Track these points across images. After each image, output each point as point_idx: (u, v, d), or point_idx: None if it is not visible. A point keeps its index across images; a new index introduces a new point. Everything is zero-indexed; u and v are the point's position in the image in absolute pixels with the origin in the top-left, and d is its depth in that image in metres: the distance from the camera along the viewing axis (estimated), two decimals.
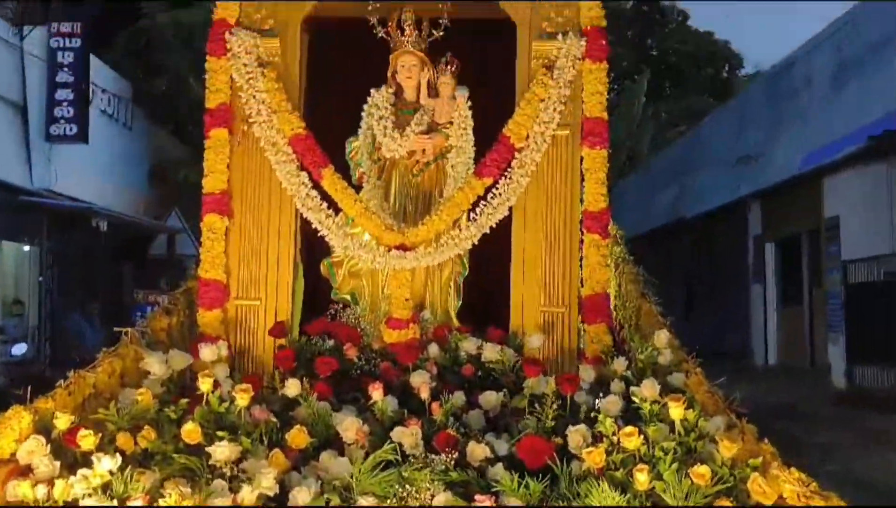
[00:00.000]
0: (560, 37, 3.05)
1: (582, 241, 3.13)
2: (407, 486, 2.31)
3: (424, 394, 2.68)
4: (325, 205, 3.11)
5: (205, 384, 2.67)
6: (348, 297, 3.38)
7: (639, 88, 12.87)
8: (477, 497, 2.27)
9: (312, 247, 3.35)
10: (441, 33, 3.34)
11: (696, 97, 18.15)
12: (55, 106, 8.62)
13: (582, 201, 3.13)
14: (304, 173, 3.09)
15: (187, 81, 10.39)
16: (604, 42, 3.05)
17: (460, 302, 3.37)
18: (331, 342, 3.07)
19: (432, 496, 2.29)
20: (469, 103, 3.26)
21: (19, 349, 8.03)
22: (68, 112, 8.70)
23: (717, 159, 13.87)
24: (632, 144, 13.53)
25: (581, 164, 3.09)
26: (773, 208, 12.17)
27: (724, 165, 13.56)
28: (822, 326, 10.42)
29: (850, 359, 8.96)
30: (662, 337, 2.96)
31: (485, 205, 3.06)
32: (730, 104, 15.55)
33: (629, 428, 2.37)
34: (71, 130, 8.70)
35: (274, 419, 2.61)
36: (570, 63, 3.03)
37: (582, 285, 3.19)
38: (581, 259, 3.14)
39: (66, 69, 8.76)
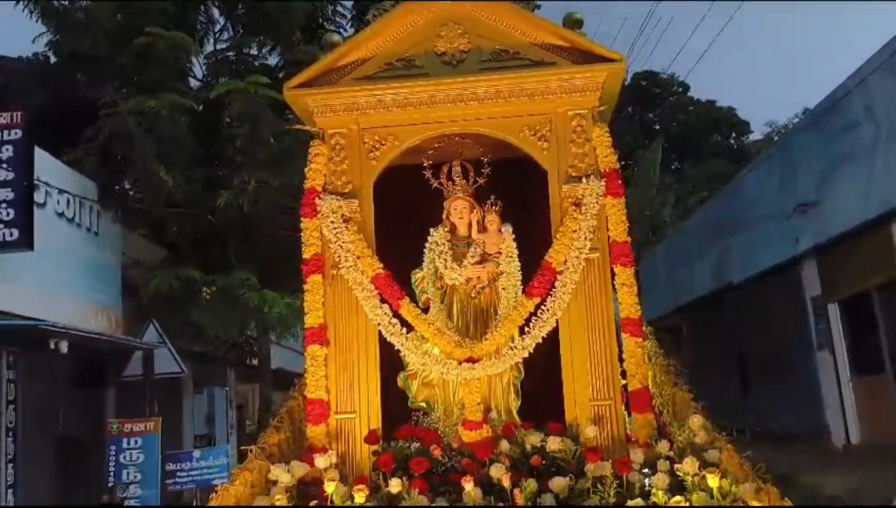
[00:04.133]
0: (584, 180, 4.75)
1: (619, 342, 4.69)
2: None
3: (506, 483, 4.18)
4: (404, 329, 4.69)
5: (330, 487, 4.19)
6: (423, 404, 4.92)
7: (652, 156, 14.52)
8: None
9: (389, 363, 4.91)
10: (484, 180, 5.04)
11: (713, 162, 20.23)
12: None
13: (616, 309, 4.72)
14: (385, 305, 4.71)
15: (157, 173, 11.83)
16: (620, 181, 4.75)
17: (520, 402, 4.90)
18: (416, 444, 4.57)
19: None
20: (513, 237, 4.91)
21: None
22: (8, 214, 8.67)
23: (763, 215, 14.50)
24: (652, 215, 15.02)
25: (614, 280, 4.69)
26: (831, 263, 12.74)
27: (773, 220, 13.96)
28: None
29: None
30: (697, 421, 4.46)
31: (536, 320, 4.65)
32: (772, 151, 16.05)
33: (678, 497, 3.87)
34: (11, 235, 8.68)
35: None
36: (594, 200, 4.72)
37: (623, 379, 4.72)
38: (620, 358, 4.69)
39: (4, 166, 8.72)
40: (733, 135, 24.81)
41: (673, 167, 22.30)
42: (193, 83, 13.18)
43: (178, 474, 12.57)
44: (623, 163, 4.90)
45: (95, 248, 12.00)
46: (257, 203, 11.91)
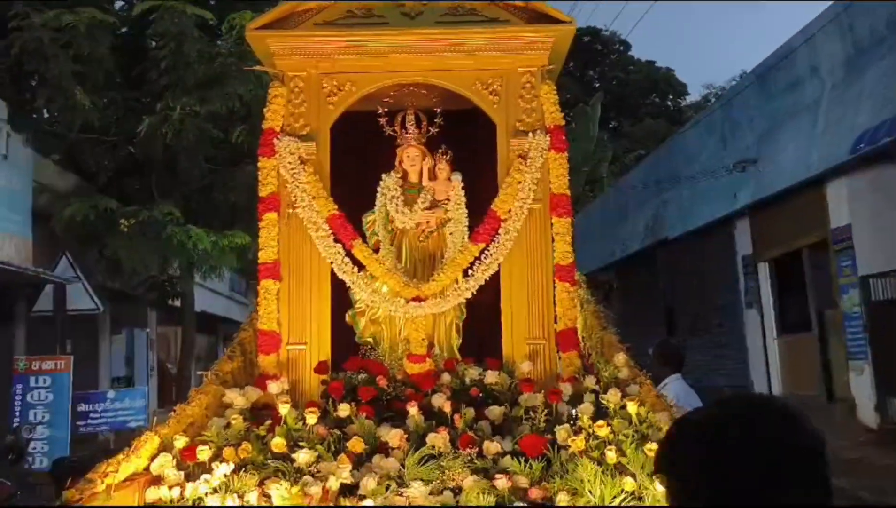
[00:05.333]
0: (530, 134, 5.48)
1: (555, 288, 5.50)
2: (446, 472, 4.55)
3: (447, 409, 4.95)
4: (356, 268, 5.38)
5: (283, 408, 4.89)
6: (370, 340, 5.65)
7: (592, 112, 15.43)
8: (496, 476, 4.51)
9: (339, 301, 5.61)
10: (436, 130, 5.71)
11: (650, 122, 21.59)
12: None
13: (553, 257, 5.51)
14: (338, 245, 5.37)
15: (73, 95, 11.94)
16: (564, 137, 5.49)
17: (460, 340, 5.69)
18: (363, 376, 5.31)
19: (463, 479, 4.53)
20: (462, 185, 5.62)
21: None
22: None
23: (702, 171, 15.48)
24: (589, 170, 16.00)
25: (552, 229, 5.47)
26: (764, 222, 13.77)
27: (712, 177, 14.93)
28: (839, 353, 11.64)
29: (882, 390, 9.84)
30: (621, 358, 5.31)
31: (479, 264, 5.41)
32: (714, 108, 17.47)
33: (601, 422, 4.71)
34: None
35: (337, 432, 4.82)
36: (539, 154, 5.45)
37: (556, 323, 5.54)
38: (555, 302, 5.50)
39: None
40: (670, 96, 26.70)
41: (611, 125, 23.86)
42: (117, 5, 13.23)
43: (91, 416, 12.94)
44: (563, 117, 5.67)
45: (3, 172, 12.01)
46: (182, 133, 12.20)
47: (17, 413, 11.39)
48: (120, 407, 13.05)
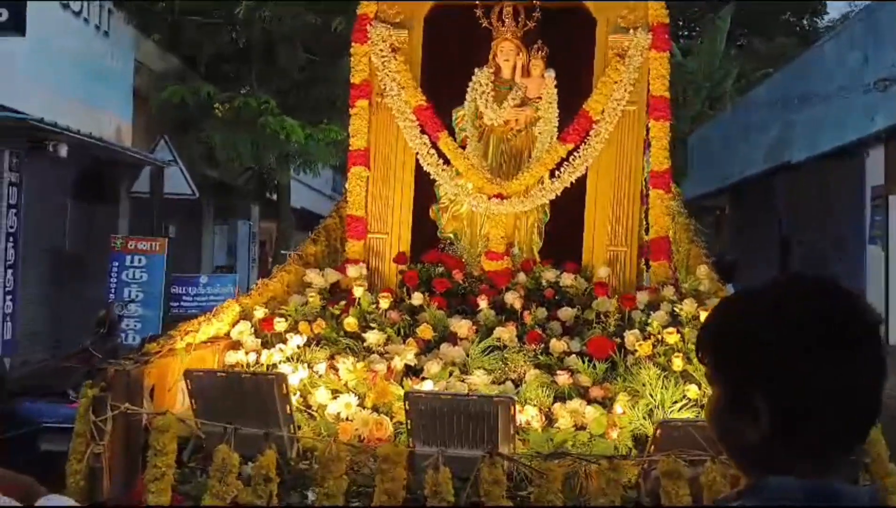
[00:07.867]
0: (632, 32, 5.59)
1: (644, 195, 5.68)
2: (509, 363, 4.91)
3: (518, 305, 5.29)
4: (441, 161, 5.70)
5: (358, 291, 5.33)
6: (451, 235, 6.00)
7: (721, 25, 14.94)
8: (558, 371, 4.85)
9: (423, 194, 5.96)
10: (533, 25, 5.88)
11: (782, 40, 20.56)
12: None
13: (646, 163, 5.68)
14: (425, 136, 5.69)
15: None
16: (667, 36, 5.58)
17: (541, 243, 5.97)
18: (440, 269, 5.69)
19: (525, 372, 4.88)
20: (555, 84, 5.80)
21: None
22: None
23: (838, 89, 14.44)
24: (711, 87, 15.55)
25: (648, 134, 5.63)
26: None
27: (848, 97, 13.97)
28: None
29: None
30: (703, 269, 5.47)
31: (567, 165, 5.64)
32: (857, 19, 16.68)
33: (670, 328, 4.94)
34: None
35: (409, 318, 5.24)
36: (639, 53, 5.57)
37: (646, 232, 5.75)
38: (642, 210, 5.70)
39: None
40: (806, 14, 25.34)
41: (739, 43, 22.87)
42: None
43: (184, 298, 13.87)
44: (689, 30, 5.71)
45: (105, 50, 12.56)
46: (281, 20, 12.59)
47: (113, 290, 12.38)
48: (211, 292, 13.89)
